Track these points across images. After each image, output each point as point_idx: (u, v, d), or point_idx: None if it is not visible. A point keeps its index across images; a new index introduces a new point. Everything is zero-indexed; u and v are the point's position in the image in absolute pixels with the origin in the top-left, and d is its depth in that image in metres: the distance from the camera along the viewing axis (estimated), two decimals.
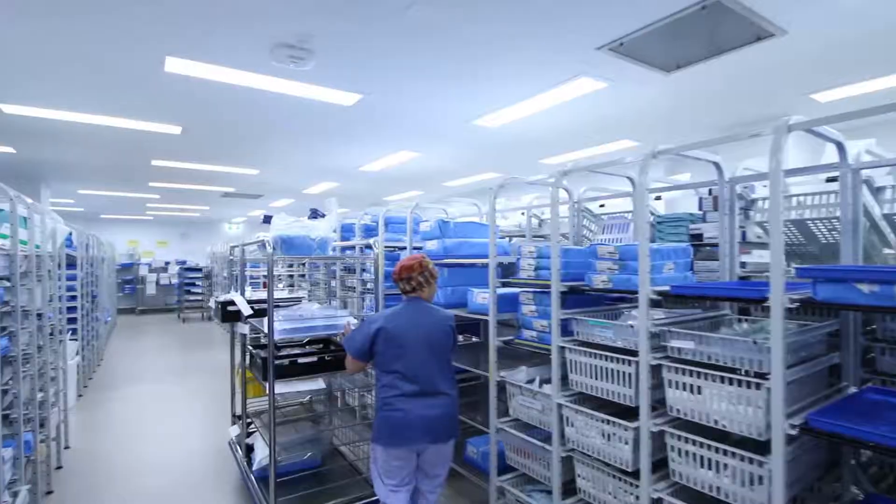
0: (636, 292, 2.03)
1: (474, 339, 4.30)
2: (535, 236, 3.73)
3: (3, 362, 2.52)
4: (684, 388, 1.88)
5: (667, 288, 1.98)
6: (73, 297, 5.85)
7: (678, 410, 1.91)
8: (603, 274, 2.27)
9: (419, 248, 3.64)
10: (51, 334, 3.83)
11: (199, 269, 13.75)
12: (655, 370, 1.98)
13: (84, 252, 6.22)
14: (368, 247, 4.48)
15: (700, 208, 2.68)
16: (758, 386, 1.65)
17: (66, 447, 4.25)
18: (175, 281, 13.96)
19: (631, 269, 2.15)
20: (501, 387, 2.83)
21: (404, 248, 4.16)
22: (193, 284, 13.62)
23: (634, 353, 2.04)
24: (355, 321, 3.07)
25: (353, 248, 4.58)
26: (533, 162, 6.94)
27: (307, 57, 3.22)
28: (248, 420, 3.57)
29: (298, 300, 3.94)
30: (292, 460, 3.15)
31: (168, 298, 14.41)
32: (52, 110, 4.50)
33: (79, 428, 4.78)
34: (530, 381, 2.70)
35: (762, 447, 1.67)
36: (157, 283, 13.95)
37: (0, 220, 3.25)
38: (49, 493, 3.44)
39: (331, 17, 2.84)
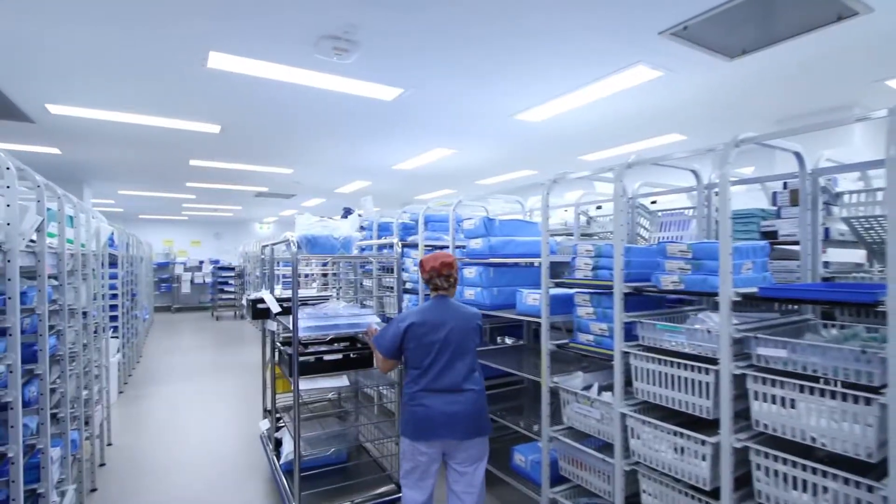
0: (714, 294, 1.86)
1: (508, 341, 4.15)
2: (583, 235, 3.56)
3: (52, 361, 2.50)
4: (773, 401, 1.70)
5: (753, 290, 1.80)
6: (115, 296, 5.93)
7: (765, 425, 1.74)
8: (673, 274, 2.09)
9: (462, 248, 3.51)
10: (95, 332, 3.85)
11: (232, 269, 13.95)
12: (737, 380, 1.80)
13: (125, 251, 6.31)
14: (408, 246, 4.39)
15: (774, 203, 2.48)
16: (868, 401, 1.47)
17: (109, 444, 4.29)
18: (209, 280, 14.20)
19: (707, 268, 1.97)
20: (552, 392, 2.68)
21: (445, 246, 4.05)
22: (226, 283, 13.81)
23: (711, 361, 1.87)
24: (378, 321, 3.06)
25: (390, 246, 4.49)
26: (572, 158, 6.73)
27: (351, 49, 3.13)
28: (277, 415, 3.62)
29: (326, 298, 3.93)
30: (318, 455, 3.16)
31: (202, 297, 14.68)
32: (97, 110, 4.55)
33: (120, 424, 4.83)
34: (587, 388, 2.54)
35: (864, 468, 1.49)
36: (192, 281, 14.21)
37: (48, 219, 3.27)
38: (93, 490, 3.46)
39: (377, 6, 2.73)
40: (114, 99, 4.29)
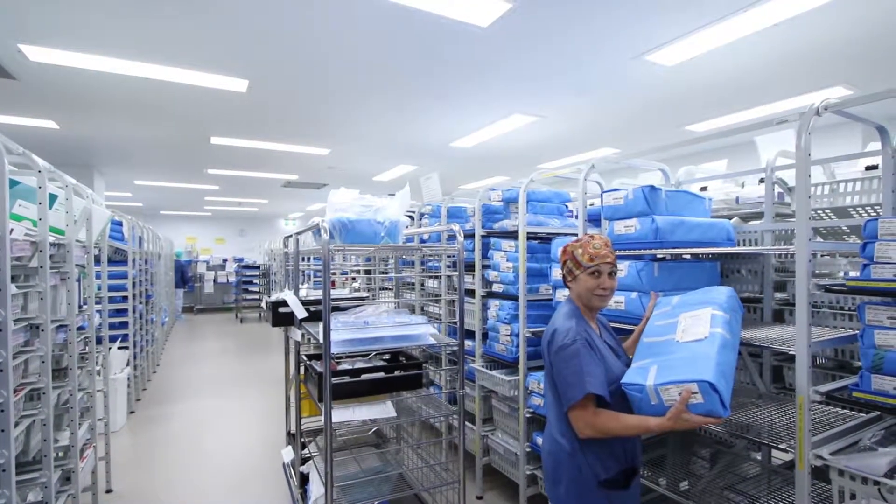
0: None
1: None
2: (777, 215, 2.41)
3: None
4: None
5: None
6: (125, 299, 5.00)
7: None
8: None
9: (554, 236, 2.38)
10: (83, 350, 2.87)
11: (257, 267, 13.19)
12: None
13: (137, 246, 5.36)
14: (495, 235, 3.31)
15: None
16: None
17: (109, 491, 3.38)
18: (233, 279, 13.44)
19: None
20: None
21: (556, 234, 2.96)
22: (251, 283, 13.13)
23: None
24: (434, 331, 2.42)
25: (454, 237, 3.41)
26: (676, 129, 5.51)
27: None
28: (303, 439, 3.08)
29: (363, 300, 3.13)
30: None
31: (226, 297, 13.98)
32: (87, 55, 3.51)
33: (127, 457, 3.95)
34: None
35: None
36: (215, 281, 13.47)
37: (13, 195, 2.27)
38: None
39: None
40: (106, 37, 3.25)
